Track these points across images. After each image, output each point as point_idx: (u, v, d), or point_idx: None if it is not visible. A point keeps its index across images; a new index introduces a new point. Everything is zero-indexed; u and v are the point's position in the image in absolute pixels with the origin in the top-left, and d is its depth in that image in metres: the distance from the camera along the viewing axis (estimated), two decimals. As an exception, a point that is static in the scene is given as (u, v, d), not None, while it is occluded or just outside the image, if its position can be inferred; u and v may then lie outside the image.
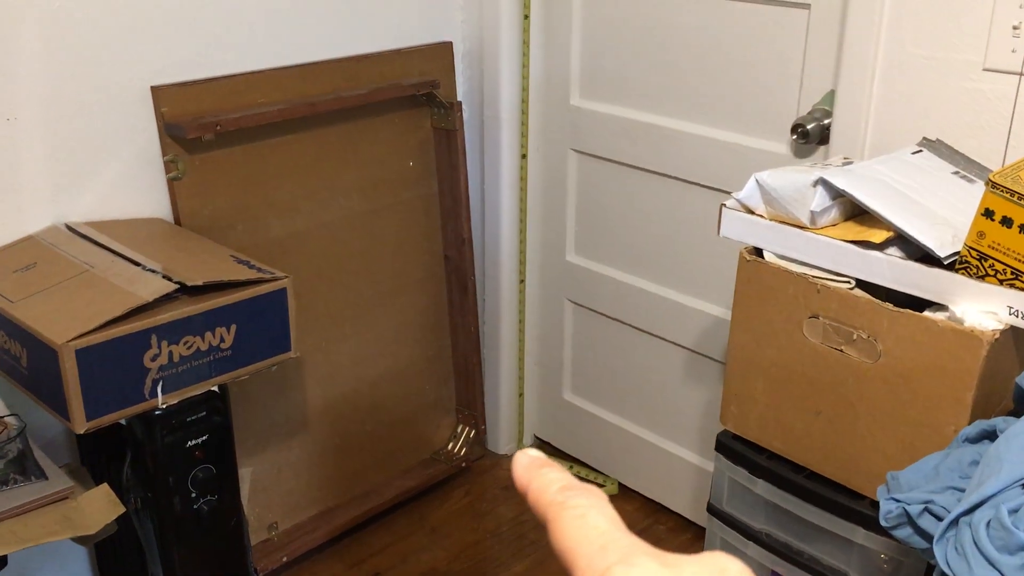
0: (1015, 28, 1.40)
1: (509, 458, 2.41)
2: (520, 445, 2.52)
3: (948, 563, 0.93)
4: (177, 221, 1.78)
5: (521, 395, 2.50)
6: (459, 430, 2.42)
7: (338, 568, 2.13)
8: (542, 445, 2.52)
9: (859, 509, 1.34)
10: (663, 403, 2.19)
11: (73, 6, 1.61)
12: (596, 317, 2.27)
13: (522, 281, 2.38)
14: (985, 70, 1.45)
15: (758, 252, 1.39)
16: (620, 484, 2.36)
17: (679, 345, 2.10)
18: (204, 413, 1.56)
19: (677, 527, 2.24)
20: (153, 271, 1.50)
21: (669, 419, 2.19)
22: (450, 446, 2.41)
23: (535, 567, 2.13)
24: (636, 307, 2.16)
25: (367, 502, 2.22)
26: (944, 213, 1.27)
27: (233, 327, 1.52)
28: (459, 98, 2.19)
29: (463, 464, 2.40)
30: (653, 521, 2.27)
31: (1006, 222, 1.13)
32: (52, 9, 1.59)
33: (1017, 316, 1.14)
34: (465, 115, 2.18)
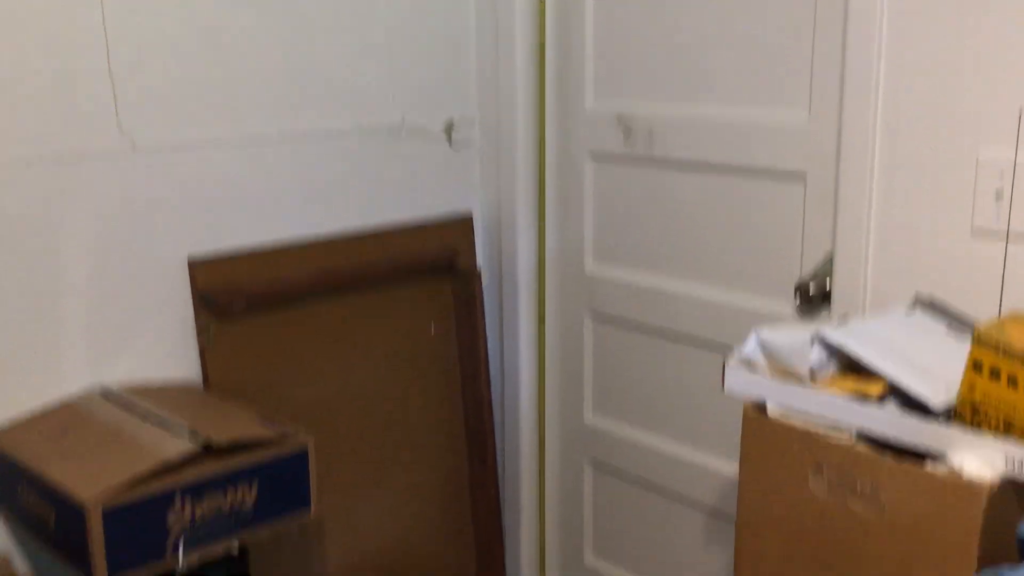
0: (997, 192, 1.48)
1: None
2: (543, 613, 2.49)
3: None
4: (206, 384, 1.86)
5: (543, 560, 2.48)
6: (480, 596, 2.40)
7: None
8: (565, 613, 2.48)
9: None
10: (687, 566, 2.17)
11: (118, 191, 1.75)
12: (616, 479, 2.29)
13: (542, 444, 2.41)
14: (973, 235, 1.52)
15: (762, 408, 1.43)
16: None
17: (700, 508, 2.10)
18: (224, 574, 1.59)
19: None
20: (179, 432, 1.56)
21: (691, 583, 2.16)
22: (471, 613, 2.38)
23: None
24: (656, 467, 2.18)
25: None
26: (937, 367, 1.31)
27: (255, 486, 1.57)
28: (479, 266, 2.29)
29: (484, 632, 2.36)
30: None
31: (994, 374, 1.17)
32: (99, 194, 1.73)
33: (1013, 466, 1.16)
34: (484, 282, 2.28)
